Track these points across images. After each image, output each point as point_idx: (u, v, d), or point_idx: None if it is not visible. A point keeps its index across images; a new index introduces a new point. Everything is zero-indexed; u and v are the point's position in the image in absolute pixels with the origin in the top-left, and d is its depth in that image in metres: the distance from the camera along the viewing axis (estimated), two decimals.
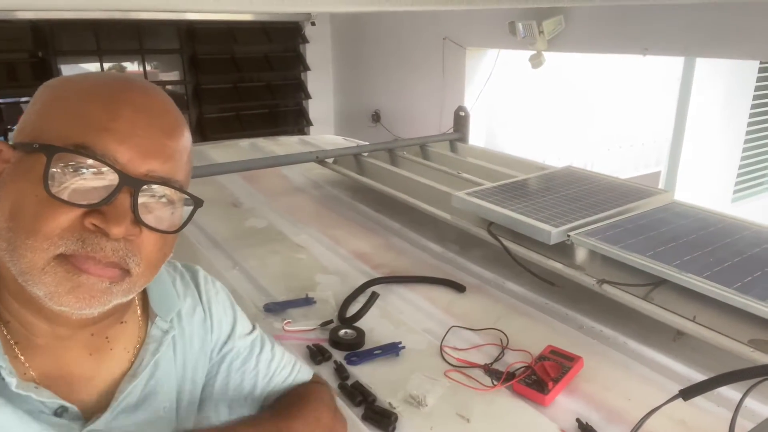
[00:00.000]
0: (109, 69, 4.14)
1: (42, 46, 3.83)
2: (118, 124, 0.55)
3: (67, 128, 0.55)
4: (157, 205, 0.58)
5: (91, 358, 0.63)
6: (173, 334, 0.70)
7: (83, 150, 0.54)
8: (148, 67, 4.33)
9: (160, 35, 4.31)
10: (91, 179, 0.54)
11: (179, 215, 0.61)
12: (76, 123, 0.55)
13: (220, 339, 0.77)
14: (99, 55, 4.05)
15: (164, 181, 0.58)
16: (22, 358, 0.58)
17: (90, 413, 0.61)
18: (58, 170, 0.53)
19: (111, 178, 0.55)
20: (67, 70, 3.93)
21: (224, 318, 0.78)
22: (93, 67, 4.05)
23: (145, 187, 0.56)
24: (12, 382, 0.55)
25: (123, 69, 4.27)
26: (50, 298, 0.54)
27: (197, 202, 0.62)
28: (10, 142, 0.57)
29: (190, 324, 0.73)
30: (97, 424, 0.60)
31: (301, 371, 0.85)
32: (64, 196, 0.53)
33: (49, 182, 0.53)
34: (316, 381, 0.87)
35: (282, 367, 0.83)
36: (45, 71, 3.79)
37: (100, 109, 0.55)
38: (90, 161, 0.54)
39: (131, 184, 0.55)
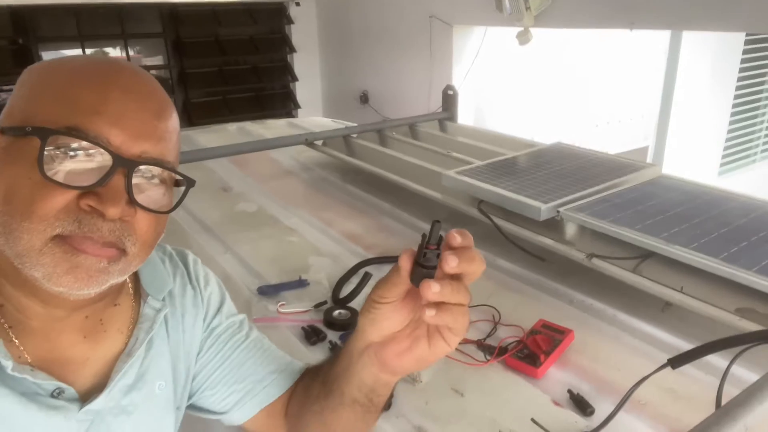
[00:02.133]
0: (91, 54, 4.08)
1: (22, 33, 3.76)
2: (109, 107, 0.55)
3: (58, 111, 0.55)
4: (150, 186, 0.59)
5: (85, 340, 0.64)
6: (165, 313, 0.70)
7: (76, 132, 0.54)
8: (131, 52, 4.26)
9: (142, 19, 4.24)
10: (84, 161, 0.55)
11: (171, 195, 0.62)
12: (67, 106, 0.55)
13: (209, 314, 0.78)
14: (80, 40, 3.98)
15: (157, 162, 0.58)
16: (16, 341, 0.59)
17: (87, 394, 0.62)
18: (52, 153, 0.54)
19: (104, 160, 0.55)
20: (48, 56, 3.86)
21: (213, 296, 0.79)
22: (75, 53, 3.98)
23: (138, 168, 0.57)
24: (8, 365, 0.55)
25: (105, 54, 4.21)
26: (48, 279, 0.55)
27: (189, 182, 0.63)
28: None
29: (181, 303, 0.74)
30: (94, 404, 0.61)
31: (294, 361, 0.82)
32: (59, 179, 0.53)
33: (45, 165, 0.53)
34: None
35: (275, 348, 0.82)
36: (26, 58, 3.72)
37: (91, 92, 0.56)
38: (84, 143, 0.54)
39: (125, 165, 0.56)
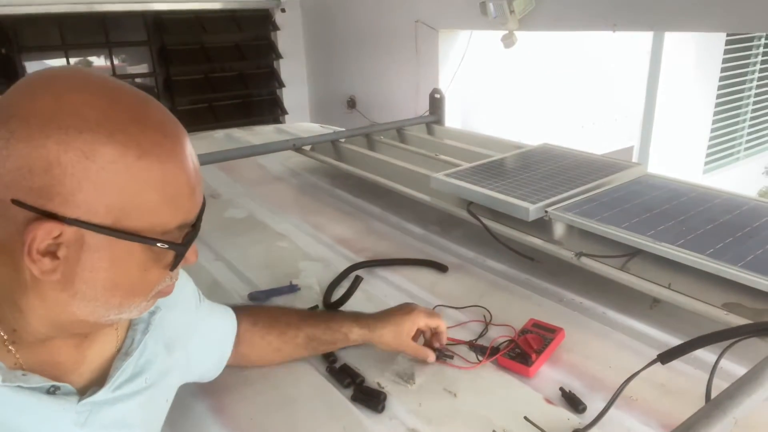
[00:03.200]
0: (76, 64, 4.05)
1: (5, 43, 3.72)
2: (192, 187, 0.61)
3: (165, 212, 0.59)
4: None
5: (81, 341, 0.66)
6: (159, 314, 0.75)
7: (184, 227, 0.61)
8: (115, 61, 4.24)
9: (126, 27, 4.21)
10: None
11: None
12: (172, 205, 0.59)
13: (192, 308, 0.89)
14: (64, 50, 3.94)
15: (203, 204, 0.65)
16: (12, 348, 0.60)
17: (84, 389, 0.65)
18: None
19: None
20: (32, 66, 3.83)
21: (189, 288, 0.90)
22: (59, 62, 3.95)
23: None
24: None
25: (90, 64, 4.18)
26: (135, 316, 0.66)
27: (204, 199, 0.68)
28: (61, 215, 0.54)
29: (173, 299, 0.76)
30: (94, 397, 0.64)
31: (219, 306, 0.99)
32: (175, 267, 0.63)
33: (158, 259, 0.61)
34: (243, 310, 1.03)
35: (215, 306, 0.98)
36: (9, 68, 3.68)
37: (182, 182, 0.59)
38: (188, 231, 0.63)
39: (197, 223, 0.64)
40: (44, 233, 0.52)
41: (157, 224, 0.58)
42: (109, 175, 0.54)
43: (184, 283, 0.87)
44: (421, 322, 1.03)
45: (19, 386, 0.57)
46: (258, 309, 1.10)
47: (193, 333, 0.87)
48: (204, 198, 0.66)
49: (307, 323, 1.02)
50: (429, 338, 1.06)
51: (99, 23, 4.02)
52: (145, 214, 0.57)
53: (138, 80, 4.35)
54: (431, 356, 1.03)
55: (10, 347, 0.59)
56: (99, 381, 0.67)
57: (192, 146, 0.62)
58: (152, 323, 0.73)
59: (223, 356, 0.96)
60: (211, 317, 0.94)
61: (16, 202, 0.52)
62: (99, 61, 4.19)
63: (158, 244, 0.58)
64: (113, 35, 4.12)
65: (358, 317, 1.05)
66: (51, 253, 0.54)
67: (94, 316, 0.60)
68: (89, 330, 0.65)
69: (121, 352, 0.70)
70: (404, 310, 1.04)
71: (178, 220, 0.60)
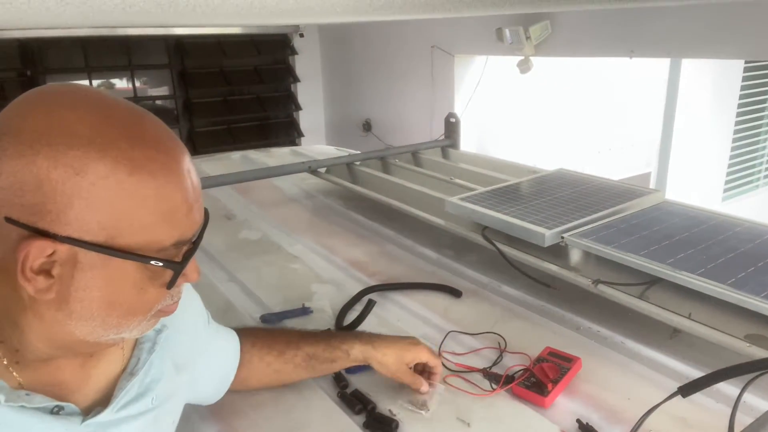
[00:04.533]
0: (99, 86, 4.13)
1: (30, 65, 3.82)
2: (190, 204, 0.60)
3: (160, 229, 0.57)
4: None
5: (86, 361, 0.65)
6: (166, 333, 0.74)
7: (181, 244, 0.60)
8: (137, 83, 4.33)
9: (148, 51, 4.31)
10: None
11: None
12: (167, 222, 0.58)
13: (201, 329, 0.88)
14: (88, 72, 4.04)
15: (204, 221, 0.64)
16: (11, 368, 0.59)
17: (88, 409, 0.64)
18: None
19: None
20: None
21: (195, 303, 0.89)
22: (82, 83, 4.03)
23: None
24: (0, 398, 0.56)
25: (112, 86, 4.27)
26: (137, 336, 0.66)
27: (207, 215, 0.67)
28: (53, 233, 0.53)
29: (181, 319, 0.76)
30: (98, 418, 0.63)
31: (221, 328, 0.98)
32: (173, 285, 0.61)
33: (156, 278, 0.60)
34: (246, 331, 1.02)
35: (220, 329, 0.97)
36: None
37: (179, 199, 0.58)
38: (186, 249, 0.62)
39: (197, 240, 0.63)
40: (37, 251, 0.52)
41: (152, 242, 0.56)
42: (100, 191, 0.53)
43: (192, 302, 0.86)
44: (425, 356, 1.02)
45: (22, 406, 0.56)
46: (257, 330, 1.09)
47: (200, 353, 0.87)
48: (207, 214, 0.65)
49: (306, 341, 1.00)
50: (421, 372, 1.04)
51: (122, 46, 4.12)
52: (139, 231, 0.55)
53: (158, 102, 4.43)
54: (425, 385, 1.00)
55: (12, 367, 0.59)
56: (104, 401, 0.66)
57: (191, 162, 0.61)
58: (158, 342, 0.72)
59: (226, 379, 0.96)
60: (218, 339, 0.94)
61: (9, 220, 0.52)
62: (121, 83, 4.29)
63: (152, 262, 0.57)
64: (135, 58, 4.22)
65: (359, 335, 1.04)
66: (45, 271, 0.54)
67: (93, 336, 0.59)
68: (90, 350, 0.64)
69: (126, 371, 0.69)
70: (410, 340, 1.04)
71: (174, 238, 0.58)
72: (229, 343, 0.96)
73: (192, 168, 0.61)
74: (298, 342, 1.00)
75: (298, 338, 1.01)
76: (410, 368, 1.01)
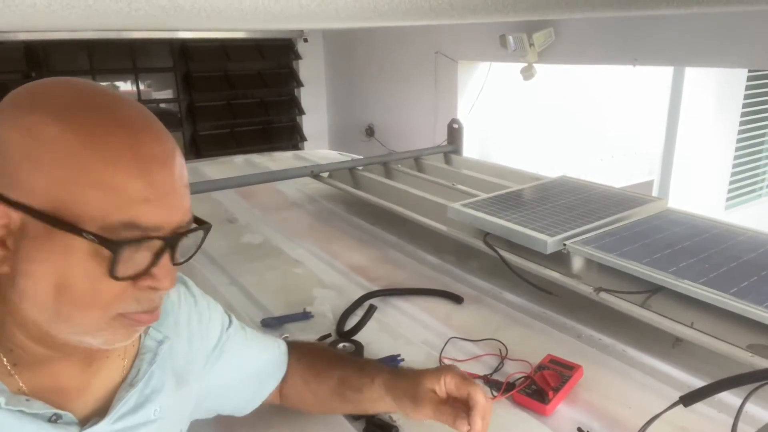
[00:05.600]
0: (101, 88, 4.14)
1: (35, 67, 3.84)
2: (154, 191, 0.55)
3: (104, 203, 0.52)
4: (181, 243, 0.61)
5: (86, 369, 0.64)
6: (168, 344, 0.72)
7: (132, 229, 0.54)
8: (141, 86, 4.34)
9: (153, 54, 4.33)
10: (139, 249, 0.56)
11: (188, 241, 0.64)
12: (113, 197, 0.53)
13: (213, 335, 0.83)
14: (92, 74, 4.06)
15: (190, 223, 0.60)
16: (15, 375, 0.59)
17: (86, 419, 0.62)
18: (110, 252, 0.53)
19: (156, 242, 0.56)
20: None
21: (215, 315, 0.84)
22: None
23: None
24: (1, 401, 0.55)
25: (116, 88, 4.28)
26: (106, 345, 0.60)
27: (207, 228, 0.63)
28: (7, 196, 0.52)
29: (188, 329, 0.76)
30: (95, 428, 0.62)
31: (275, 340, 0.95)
32: (124, 275, 0.55)
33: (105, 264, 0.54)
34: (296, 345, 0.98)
35: (259, 334, 0.93)
36: None
37: (134, 178, 0.53)
38: (144, 241, 0.55)
39: (172, 242, 0.57)
40: None
41: (97, 217, 0.52)
42: (48, 153, 0.51)
43: (206, 312, 0.82)
44: (447, 377, 0.80)
45: (21, 411, 0.56)
46: (306, 345, 1.02)
47: (217, 363, 0.83)
48: (204, 223, 0.61)
49: (341, 363, 0.92)
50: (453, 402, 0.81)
51: (127, 50, 4.14)
52: (82, 202, 0.52)
53: (162, 105, 4.45)
54: (464, 425, 0.77)
55: (13, 370, 0.58)
56: (102, 411, 0.64)
57: (174, 156, 0.58)
58: (159, 353, 0.70)
59: (263, 390, 0.90)
60: (250, 348, 0.89)
61: None
62: (125, 86, 4.30)
63: (85, 235, 0.51)
64: (140, 61, 4.23)
65: (389, 369, 0.89)
66: (2, 242, 0.53)
67: (54, 329, 0.56)
68: (64, 351, 0.60)
69: (126, 382, 0.67)
70: (442, 367, 0.87)
71: (123, 216, 0.53)
72: (268, 353, 0.91)
73: (172, 161, 0.57)
74: (335, 362, 0.93)
75: (336, 359, 0.95)
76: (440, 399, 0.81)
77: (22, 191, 0.51)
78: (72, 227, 0.51)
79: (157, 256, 0.56)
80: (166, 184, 0.56)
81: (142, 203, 0.54)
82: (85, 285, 0.54)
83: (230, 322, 0.87)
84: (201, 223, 0.61)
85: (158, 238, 0.55)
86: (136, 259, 0.55)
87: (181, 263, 0.59)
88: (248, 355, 0.88)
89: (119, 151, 0.53)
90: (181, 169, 0.59)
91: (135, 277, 0.56)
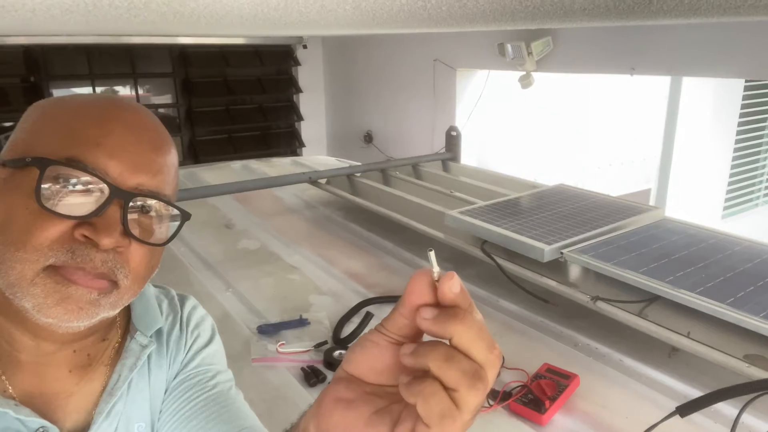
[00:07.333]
0: (102, 93, 4.15)
1: (34, 71, 3.84)
2: (109, 140, 0.56)
3: (58, 143, 0.55)
4: (146, 218, 0.59)
5: (71, 375, 0.63)
6: (151, 350, 0.68)
7: (75, 163, 0.54)
8: (140, 91, 4.34)
9: (152, 59, 4.34)
10: (81, 192, 0.55)
11: (166, 229, 0.61)
12: (67, 138, 0.56)
13: (187, 356, 0.73)
14: (91, 79, 4.06)
15: (153, 195, 0.58)
16: (3, 376, 0.58)
17: (72, 430, 0.61)
18: (50, 183, 0.54)
19: (101, 191, 0.55)
20: (59, 94, 3.94)
21: (199, 339, 0.74)
22: (85, 91, 4.06)
23: (134, 199, 0.57)
24: None
25: (115, 93, 4.28)
26: (38, 310, 0.54)
27: (185, 215, 0.62)
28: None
29: (168, 342, 0.71)
30: None
31: None
32: (56, 209, 0.53)
33: (42, 195, 0.53)
34: None
35: (243, 409, 0.72)
36: (37, 96, 3.79)
37: (91, 126, 0.57)
38: (82, 175, 0.55)
39: (121, 196, 0.55)
40: None
41: (49, 152, 0.55)
42: (33, 117, 0.59)
43: (198, 339, 0.73)
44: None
45: (8, 414, 0.55)
46: None
47: (172, 398, 0.71)
48: (184, 213, 0.60)
49: None
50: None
51: (126, 54, 4.14)
52: (42, 144, 0.56)
53: (161, 110, 4.45)
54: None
55: (5, 376, 0.58)
56: (85, 423, 0.62)
57: (155, 132, 0.60)
58: (141, 358, 0.66)
59: None
60: (211, 409, 0.70)
61: None
62: (124, 90, 4.31)
63: (27, 161, 0.54)
64: (139, 66, 4.24)
65: None
66: None
67: None
68: (25, 325, 0.57)
69: (106, 390, 0.63)
70: None
71: (70, 152, 0.54)
72: (225, 426, 0.69)
73: (143, 130, 0.59)
74: None
75: None
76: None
77: (7, 152, 0.57)
78: (19, 160, 0.55)
79: (101, 206, 0.54)
80: (127, 140, 0.57)
81: (93, 146, 0.55)
82: (21, 220, 0.53)
83: (216, 373, 0.74)
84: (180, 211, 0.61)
85: (98, 177, 0.54)
86: (75, 199, 0.54)
87: (138, 239, 0.57)
88: (201, 409, 0.70)
89: (87, 107, 0.58)
90: (159, 143, 0.60)
91: (69, 217, 0.53)
